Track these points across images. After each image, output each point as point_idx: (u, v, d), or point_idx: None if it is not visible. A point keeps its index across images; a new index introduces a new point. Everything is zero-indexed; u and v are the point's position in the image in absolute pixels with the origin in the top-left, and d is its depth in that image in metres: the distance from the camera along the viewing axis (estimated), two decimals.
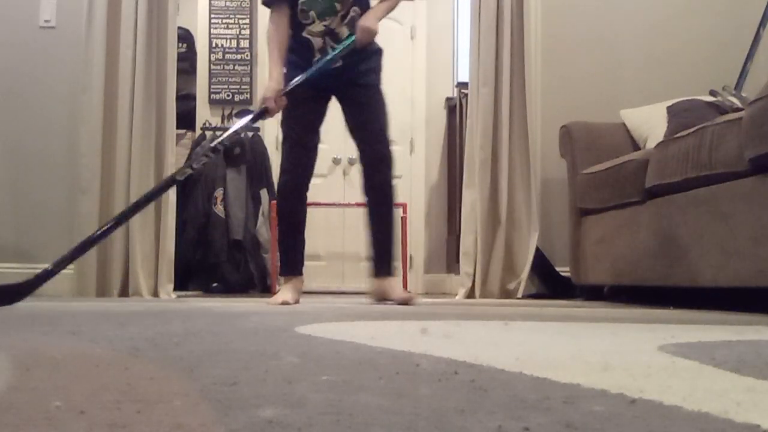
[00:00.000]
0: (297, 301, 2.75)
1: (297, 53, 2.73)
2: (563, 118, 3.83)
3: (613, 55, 4.23)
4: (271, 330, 1.42)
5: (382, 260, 2.79)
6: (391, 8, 2.81)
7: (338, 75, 2.73)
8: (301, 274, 2.89)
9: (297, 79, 2.65)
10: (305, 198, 2.92)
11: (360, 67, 2.78)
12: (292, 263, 2.88)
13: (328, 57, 2.67)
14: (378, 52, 2.86)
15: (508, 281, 3.78)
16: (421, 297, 2.90)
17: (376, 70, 2.88)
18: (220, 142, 2.79)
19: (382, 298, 2.79)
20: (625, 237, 3.10)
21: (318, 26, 2.71)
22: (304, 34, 2.72)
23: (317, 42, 2.72)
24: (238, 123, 2.83)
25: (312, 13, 2.70)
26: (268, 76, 2.71)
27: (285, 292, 2.76)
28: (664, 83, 4.07)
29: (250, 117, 2.76)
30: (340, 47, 2.67)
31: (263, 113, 2.68)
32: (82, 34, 3.68)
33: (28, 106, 3.92)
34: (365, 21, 2.66)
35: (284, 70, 2.70)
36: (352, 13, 2.73)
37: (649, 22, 4.26)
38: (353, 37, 2.66)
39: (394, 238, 2.85)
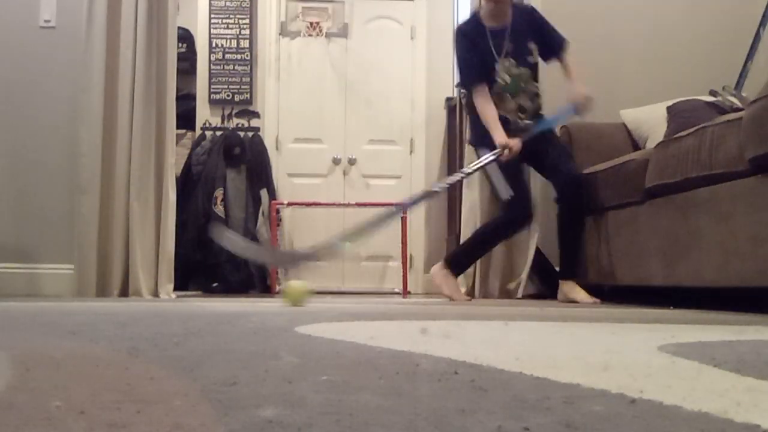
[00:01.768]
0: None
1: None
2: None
3: (613, 55, 4.23)
4: (271, 330, 1.42)
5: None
6: (579, 71, 3.30)
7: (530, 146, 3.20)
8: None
9: (538, 129, 3.21)
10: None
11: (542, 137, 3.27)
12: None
13: (547, 124, 3.28)
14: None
15: (508, 281, 3.78)
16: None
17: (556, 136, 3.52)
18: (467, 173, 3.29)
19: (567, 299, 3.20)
20: (625, 237, 3.10)
21: (511, 104, 3.24)
22: (500, 110, 3.21)
23: (511, 117, 3.25)
24: (484, 159, 3.17)
25: (506, 95, 3.22)
26: (494, 133, 3.11)
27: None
28: (664, 83, 4.07)
29: (492, 154, 3.11)
30: (562, 113, 3.29)
31: (507, 147, 3.07)
32: (82, 34, 3.68)
33: (28, 106, 3.92)
34: (581, 88, 3.19)
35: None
36: (532, 89, 3.29)
37: (649, 22, 4.26)
38: (572, 107, 3.23)
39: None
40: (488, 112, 3.12)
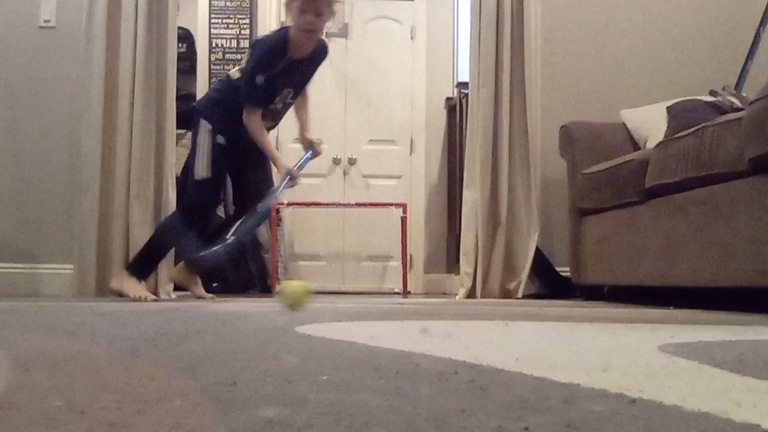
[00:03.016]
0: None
1: (244, 129, 3.20)
2: (563, 118, 3.83)
3: (613, 55, 4.23)
4: (271, 330, 1.42)
5: None
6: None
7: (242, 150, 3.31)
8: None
9: (302, 162, 3.40)
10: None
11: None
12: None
13: (301, 163, 3.40)
14: None
15: (508, 281, 3.78)
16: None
17: None
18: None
19: None
20: (625, 237, 3.10)
21: (268, 124, 3.28)
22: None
23: None
24: (276, 189, 3.29)
25: (269, 118, 3.25)
26: (279, 161, 3.33)
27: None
28: (664, 83, 4.07)
29: (287, 182, 3.27)
30: (308, 157, 3.44)
31: (291, 180, 3.26)
32: (82, 34, 3.68)
33: (28, 106, 3.92)
34: (314, 138, 3.41)
35: None
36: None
37: (649, 22, 4.26)
38: (313, 153, 3.42)
39: None
40: (266, 137, 3.19)
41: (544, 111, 3.92)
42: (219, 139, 3.19)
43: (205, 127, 3.21)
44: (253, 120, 3.12)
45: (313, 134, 3.38)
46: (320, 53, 3.27)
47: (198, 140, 3.22)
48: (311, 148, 3.37)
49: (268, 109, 3.18)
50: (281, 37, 3.15)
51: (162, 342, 1.14)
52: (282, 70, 3.13)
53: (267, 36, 3.36)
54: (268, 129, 3.27)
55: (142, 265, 3.26)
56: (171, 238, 3.29)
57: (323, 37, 3.34)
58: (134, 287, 3.15)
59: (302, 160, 3.35)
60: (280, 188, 3.25)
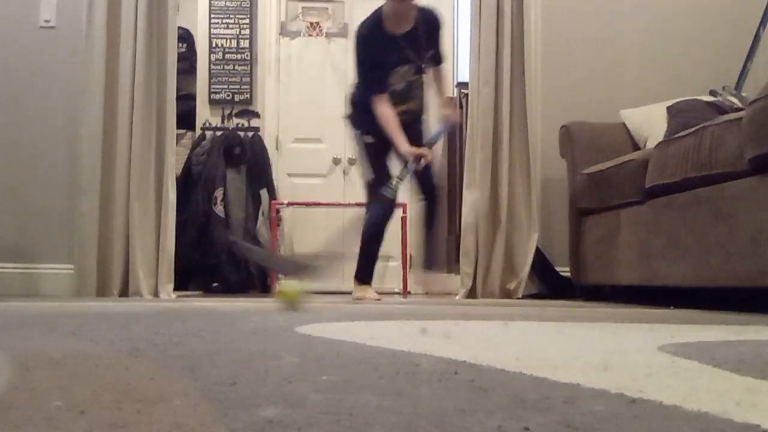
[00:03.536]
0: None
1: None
2: (563, 118, 3.83)
3: (613, 55, 4.23)
4: (271, 330, 1.42)
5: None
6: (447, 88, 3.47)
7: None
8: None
9: (435, 135, 3.36)
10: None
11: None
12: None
13: (434, 138, 3.36)
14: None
15: (508, 281, 3.78)
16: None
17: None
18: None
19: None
20: (625, 237, 3.10)
21: (401, 107, 3.22)
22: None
23: (400, 118, 3.21)
24: (403, 171, 3.22)
25: (396, 100, 3.20)
26: (401, 144, 3.16)
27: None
28: (664, 83, 4.07)
29: (410, 166, 3.19)
30: (442, 131, 3.43)
31: (418, 159, 3.16)
32: (82, 34, 3.68)
33: (28, 106, 3.92)
34: (448, 111, 3.37)
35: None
36: (422, 93, 3.34)
37: (649, 22, 4.26)
38: (447, 125, 3.39)
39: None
40: (390, 119, 3.11)
41: (544, 111, 3.92)
42: (366, 138, 3.24)
43: (354, 133, 3.32)
44: (376, 106, 3.12)
45: (449, 111, 3.34)
46: (429, 23, 3.22)
47: (356, 148, 3.35)
48: (444, 120, 3.33)
49: (391, 91, 3.16)
50: (374, 16, 3.18)
51: (162, 342, 1.14)
52: (387, 47, 3.12)
53: (362, 21, 3.32)
54: (405, 111, 3.22)
55: (364, 270, 3.39)
56: (376, 236, 3.38)
57: (412, 10, 3.22)
58: (364, 292, 3.32)
59: (434, 135, 3.33)
60: (406, 173, 3.20)
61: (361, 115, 3.25)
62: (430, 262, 3.46)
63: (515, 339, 1.32)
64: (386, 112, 3.11)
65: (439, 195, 3.45)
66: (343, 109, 5.23)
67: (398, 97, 3.20)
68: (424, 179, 3.35)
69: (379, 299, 3.30)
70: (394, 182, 3.18)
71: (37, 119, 3.91)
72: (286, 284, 2.32)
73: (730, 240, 2.34)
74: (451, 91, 5.09)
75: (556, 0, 4.16)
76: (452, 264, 4.66)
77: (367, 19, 3.22)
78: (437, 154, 3.63)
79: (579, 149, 3.65)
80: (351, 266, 5.18)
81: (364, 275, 3.36)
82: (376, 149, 3.24)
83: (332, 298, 3.88)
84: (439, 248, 3.43)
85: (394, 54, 3.14)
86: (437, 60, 3.33)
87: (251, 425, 0.53)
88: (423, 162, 3.15)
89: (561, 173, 3.80)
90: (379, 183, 3.24)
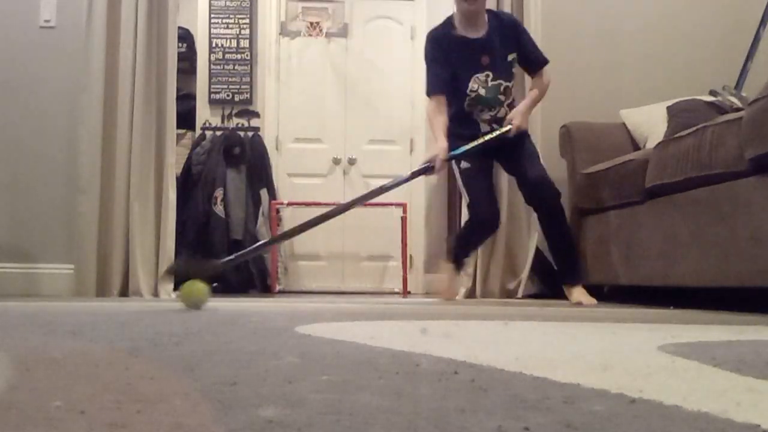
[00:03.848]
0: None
1: (464, 129, 3.10)
2: (563, 118, 3.83)
3: (613, 55, 4.23)
4: (271, 330, 1.42)
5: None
6: (541, 97, 3.24)
7: (497, 146, 3.12)
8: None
9: (463, 149, 3.03)
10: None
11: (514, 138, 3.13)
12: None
13: (484, 140, 3.05)
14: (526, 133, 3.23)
15: (508, 281, 3.78)
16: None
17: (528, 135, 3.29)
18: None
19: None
20: (625, 237, 3.10)
21: (486, 115, 3.14)
22: (474, 117, 3.15)
23: (484, 127, 3.14)
24: (405, 176, 3.08)
25: (480, 107, 3.11)
26: (435, 142, 3.00)
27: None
28: (664, 83, 4.07)
29: (417, 170, 3.03)
30: (497, 133, 3.07)
31: (429, 169, 2.97)
32: (82, 34, 3.68)
33: (28, 106, 3.92)
34: (517, 119, 3.05)
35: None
36: (512, 101, 3.17)
37: (649, 21, 4.26)
38: (509, 127, 3.05)
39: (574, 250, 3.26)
40: (436, 120, 2.99)
41: (544, 111, 3.92)
42: (462, 165, 3.15)
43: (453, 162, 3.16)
44: (430, 105, 3.06)
45: (519, 120, 3.05)
46: (506, 26, 3.10)
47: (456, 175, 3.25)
48: (510, 124, 3.06)
49: (475, 96, 3.07)
50: (445, 20, 3.16)
51: (162, 342, 1.14)
52: (458, 50, 3.04)
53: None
54: (494, 120, 3.12)
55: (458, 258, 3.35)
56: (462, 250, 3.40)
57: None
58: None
59: (470, 146, 3.04)
60: (415, 174, 3.04)
61: (451, 140, 3.00)
62: (565, 275, 3.15)
63: (515, 339, 1.32)
64: (435, 114, 3.01)
65: (552, 195, 3.05)
66: (343, 109, 5.28)
67: (483, 103, 3.10)
68: (523, 174, 3.12)
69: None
70: (402, 180, 3.04)
71: (37, 119, 3.91)
72: (188, 285, 2.24)
73: (730, 240, 2.34)
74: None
75: (556, 0, 4.16)
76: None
77: (440, 24, 3.20)
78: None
79: (579, 149, 3.65)
80: (351, 266, 5.21)
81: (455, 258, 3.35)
82: (471, 173, 3.14)
83: (332, 298, 3.88)
84: (571, 258, 3.16)
85: (467, 57, 3.04)
86: (530, 64, 3.17)
87: (251, 425, 0.53)
88: (433, 171, 2.98)
89: (561, 173, 3.80)
90: (477, 204, 3.16)
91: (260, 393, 0.66)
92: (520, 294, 3.71)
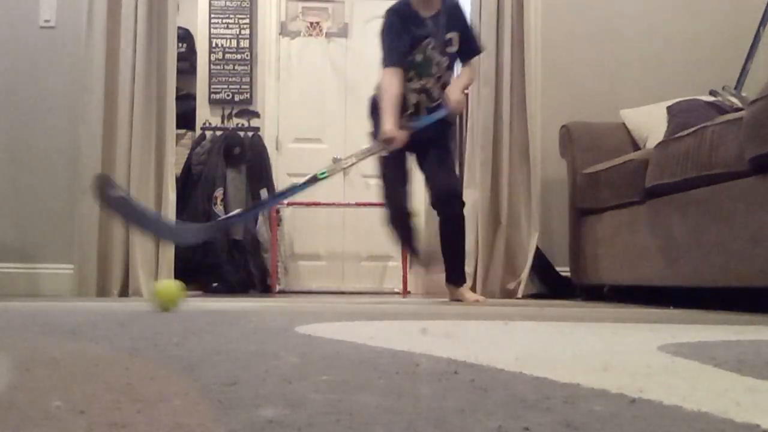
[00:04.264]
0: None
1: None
2: (563, 118, 3.83)
3: (613, 55, 4.23)
4: (271, 330, 1.42)
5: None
6: (471, 81, 3.31)
7: (422, 135, 3.07)
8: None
9: (422, 123, 3.04)
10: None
11: (438, 132, 3.15)
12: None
13: (424, 122, 3.05)
14: (453, 124, 3.30)
15: (508, 281, 3.78)
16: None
17: (452, 136, 3.36)
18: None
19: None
20: (625, 237, 3.10)
21: (416, 83, 3.10)
22: (405, 87, 3.10)
23: (412, 97, 3.11)
24: (364, 150, 3.09)
25: (412, 72, 3.09)
26: (384, 118, 2.97)
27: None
28: (664, 83, 4.07)
29: (373, 145, 3.04)
30: (436, 115, 3.07)
31: (386, 142, 2.97)
32: (82, 34, 3.68)
33: (29, 106, 3.92)
34: (454, 95, 3.07)
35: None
36: (445, 78, 3.14)
37: (649, 22, 4.26)
38: (445, 110, 3.07)
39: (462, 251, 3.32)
40: (389, 92, 2.98)
41: (544, 111, 3.92)
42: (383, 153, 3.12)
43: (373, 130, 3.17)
44: (386, 76, 3.03)
45: (455, 95, 3.08)
46: (454, 8, 3.18)
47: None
48: (444, 106, 3.09)
49: (409, 61, 3.07)
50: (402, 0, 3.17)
51: (162, 342, 1.14)
52: (413, 24, 3.08)
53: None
54: (421, 90, 3.11)
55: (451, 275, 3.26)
56: (397, 235, 3.35)
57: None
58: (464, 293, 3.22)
59: (424, 119, 3.07)
60: (364, 154, 3.06)
61: (377, 116, 3.10)
62: (452, 279, 3.25)
63: (515, 339, 1.32)
64: (390, 85, 3.00)
65: (456, 206, 3.15)
66: (343, 109, 5.28)
67: (415, 69, 3.09)
68: (433, 180, 3.17)
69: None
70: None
71: (38, 119, 3.91)
72: (159, 285, 2.07)
73: (730, 240, 2.34)
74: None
75: (556, 0, 4.16)
76: None
77: (397, 1, 3.21)
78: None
79: (579, 149, 3.65)
80: (351, 266, 5.21)
81: (451, 279, 3.26)
82: (388, 161, 3.13)
83: (332, 298, 3.88)
84: (460, 263, 3.27)
85: (419, 31, 3.09)
86: (467, 48, 3.21)
87: (251, 425, 0.53)
88: (390, 146, 2.96)
89: (561, 173, 3.80)
90: (388, 186, 3.16)
91: (260, 393, 0.66)
92: (520, 294, 3.71)
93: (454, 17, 3.18)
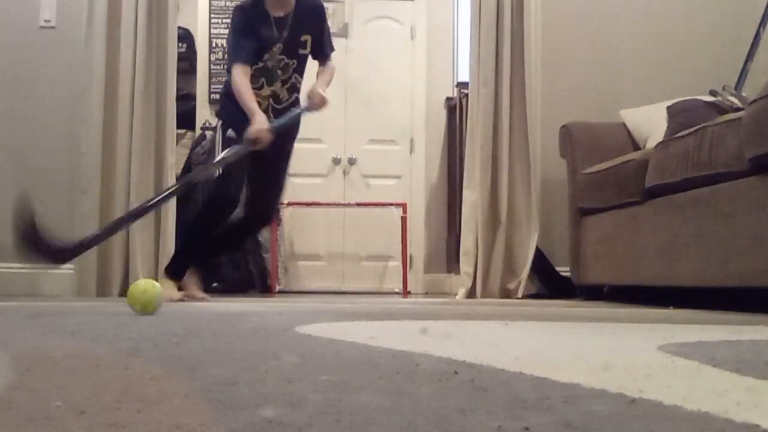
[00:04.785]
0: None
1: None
2: (563, 118, 3.83)
3: (613, 55, 4.23)
4: (271, 330, 1.42)
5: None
6: (331, 79, 3.27)
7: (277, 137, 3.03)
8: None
9: (281, 121, 3.04)
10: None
11: (292, 134, 3.24)
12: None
13: (285, 120, 3.06)
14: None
15: (508, 281, 3.78)
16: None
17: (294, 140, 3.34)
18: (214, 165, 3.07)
19: None
20: (625, 237, 3.10)
21: (267, 90, 3.13)
22: (256, 92, 3.09)
23: (263, 103, 3.09)
24: (230, 151, 2.98)
25: (263, 80, 3.11)
26: (254, 117, 2.93)
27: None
28: (664, 83, 4.07)
29: (241, 147, 2.94)
30: (297, 111, 3.14)
31: (255, 142, 2.91)
32: (82, 34, 3.68)
33: (28, 106, 3.92)
34: (317, 94, 3.11)
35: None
36: (293, 80, 3.17)
37: (650, 22, 4.26)
38: (306, 107, 3.14)
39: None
40: (248, 92, 2.97)
41: (544, 111, 3.92)
42: (230, 132, 3.09)
43: (218, 124, 3.22)
44: (238, 77, 2.99)
45: (317, 89, 3.11)
46: (309, 11, 3.17)
47: (215, 138, 3.22)
48: (309, 101, 3.14)
49: (260, 68, 3.08)
50: None
51: (162, 342, 1.14)
52: (263, 24, 3.07)
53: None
54: (270, 96, 3.12)
55: (175, 267, 3.19)
56: (194, 235, 3.23)
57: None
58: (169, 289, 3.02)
59: (284, 119, 3.06)
60: (232, 156, 2.94)
61: (228, 106, 3.10)
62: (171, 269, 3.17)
63: (515, 339, 1.32)
64: (243, 82, 2.98)
65: (268, 218, 3.27)
66: (343, 109, 5.27)
67: (265, 76, 3.10)
68: (258, 184, 3.17)
69: (181, 300, 3.02)
70: (221, 160, 2.96)
71: (37, 119, 3.91)
72: (136, 286, 1.95)
73: (730, 240, 2.34)
74: (452, 92, 5.10)
75: (556, 0, 4.16)
76: (452, 264, 4.67)
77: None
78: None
79: (579, 149, 3.65)
80: (351, 266, 5.21)
81: (175, 272, 3.14)
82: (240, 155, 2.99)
83: (332, 298, 3.88)
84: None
85: (269, 31, 3.08)
86: (319, 52, 3.22)
87: (251, 425, 0.53)
88: (258, 145, 2.90)
89: (561, 173, 3.80)
90: (227, 181, 3.04)
91: (260, 393, 0.66)
92: (520, 294, 3.71)
93: (310, 19, 3.17)
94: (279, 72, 3.13)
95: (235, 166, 2.99)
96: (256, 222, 3.34)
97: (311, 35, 3.17)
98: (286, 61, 3.13)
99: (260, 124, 2.90)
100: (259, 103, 3.03)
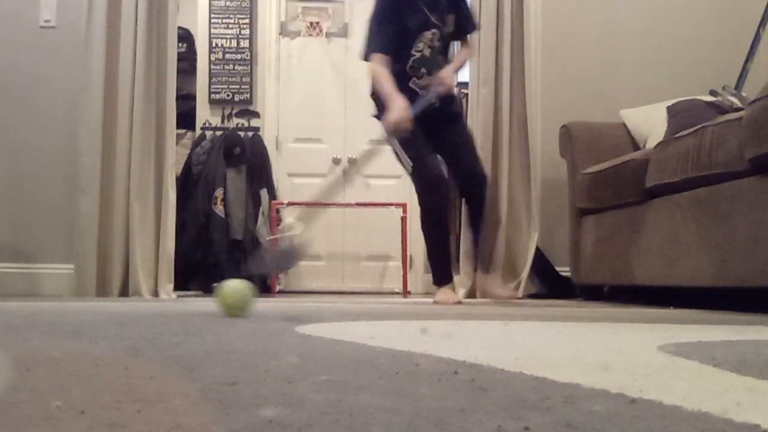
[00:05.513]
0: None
1: (403, 94, 2.89)
2: (563, 118, 3.83)
3: (613, 55, 4.23)
4: (271, 330, 1.42)
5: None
6: (464, 65, 3.24)
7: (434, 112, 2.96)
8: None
9: (421, 106, 2.88)
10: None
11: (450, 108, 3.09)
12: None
13: (423, 104, 2.90)
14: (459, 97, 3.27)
15: (508, 281, 3.78)
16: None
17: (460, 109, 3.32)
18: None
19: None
20: (625, 237, 3.10)
21: (426, 80, 3.00)
22: (411, 84, 3.00)
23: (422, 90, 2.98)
24: (424, 98, 2.92)
25: (423, 70, 3.00)
26: (392, 102, 2.83)
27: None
28: (664, 83, 4.07)
29: (425, 99, 2.89)
30: (434, 94, 2.94)
31: (398, 125, 2.83)
32: (82, 34, 3.68)
33: (28, 106, 3.92)
34: (448, 79, 2.99)
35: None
36: (442, 64, 3.04)
37: (649, 22, 4.26)
38: (434, 93, 2.95)
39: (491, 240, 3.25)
40: (388, 77, 2.85)
41: (544, 111, 3.92)
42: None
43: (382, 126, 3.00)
44: (377, 66, 2.89)
45: (446, 73, 2.97)
46: None
47: (389, 144, 3.03)
48: (434, 84, 2.96)
49: (418, 57, 2.96)
50: None
51: (162, 342, 1.14)
52: (409, 7, 2.93)
53: None
54: (424, 82, 2.98)
55: (435, 270, 3.10)
56: (435, 227, 3.08)
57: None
58: (443, 294, 3.01)
59: (418, 104, 2.89)
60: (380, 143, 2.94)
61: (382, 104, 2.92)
62: (483, 265, 3.14)
63: (515, 339, 1.32)
64: (381, 71, 2.86)
65: (483, 188, 3.02)
66: (343, 109, 5.27)
67: (425, 65, 2.97)
68: (458, 165, 3.04)
69: (459, 302, 2.99)
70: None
71: (37, 119, 3.92)
72: (226, 288, 1.82)
73: (730, 240, 2.34)
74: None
75: (556, 0, 4.16)
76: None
77: None
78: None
79: (579, 149, 3.65)
80: (351, 266, 5.20)
81: (437, 276, 3.05)
82: (409, 135, 2.86)
83: (332, 298, 3.88)
84: (490, 249, 3.14)
85: (416, 16, 2.94)
86: (465, 26, 3.09)
87: (251, 425, 0.53)
88: (401, 130, 2.81)
89: (561, 173, 3.80)
90: (421, 167, 2.90)
91: (260, 393, 0.66)
92: (520, 294, 3.71)
93: None
94: (439, 58, 3.00)
95: (414, 147, 2.89)
96: (474, 188, 3.05)
97: (454, 13, 3.04)
98: (438, 44, 3.00)
99: (399, 109, 2.78)
100: (417, 93, 2.93)
